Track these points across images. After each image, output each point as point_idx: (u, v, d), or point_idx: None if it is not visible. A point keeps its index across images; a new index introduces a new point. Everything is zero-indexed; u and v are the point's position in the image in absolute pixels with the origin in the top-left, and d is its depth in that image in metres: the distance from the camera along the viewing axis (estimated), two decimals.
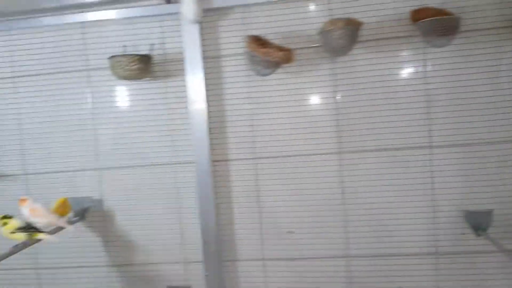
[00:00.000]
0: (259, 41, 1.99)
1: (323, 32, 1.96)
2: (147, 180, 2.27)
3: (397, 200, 2.12)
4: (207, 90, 2.12)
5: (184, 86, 2.15)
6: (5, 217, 1.90)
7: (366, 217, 2.15)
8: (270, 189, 2.20)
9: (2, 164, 2.37)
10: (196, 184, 2.16)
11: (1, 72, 2.33)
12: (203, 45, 2.13)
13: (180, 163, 2.25)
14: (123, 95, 2.27)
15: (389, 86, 2.08)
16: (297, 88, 2.14)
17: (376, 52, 2.08)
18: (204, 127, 2.11)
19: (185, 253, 2.28)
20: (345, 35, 1.92)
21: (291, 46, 2.05)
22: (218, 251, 2.16)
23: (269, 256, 2.23)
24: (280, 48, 2.00)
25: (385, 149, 2.11)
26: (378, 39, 2.07)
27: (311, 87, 2.13)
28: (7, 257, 1.86)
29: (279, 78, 2.14)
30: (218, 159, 2.20)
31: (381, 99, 2.09)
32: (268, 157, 2.18)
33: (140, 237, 2.30)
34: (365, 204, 2.14)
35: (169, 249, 2.29)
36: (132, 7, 2.18)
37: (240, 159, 2.20)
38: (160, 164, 2.26)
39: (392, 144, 2.10)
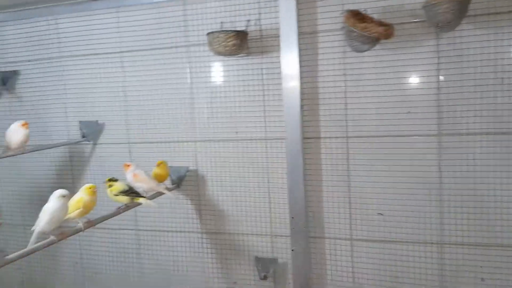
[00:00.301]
0: (357, 16, 1.93)
1: (428, 6, 1.84)
2: (240, 153, 2.34)
3: (503, 188, 1.97)
4: (301, 67, 2.10)
5: (279, 62, 2.15)
6: (111, 180, 2.07)
7: (466, 203, 2.03)
8: (360, 169, 2.15)
9: (110, 132, 2.57)
10: (286, 160, 2.17)
11: (110, 48, 2.50)
12: (299, 21, 2.10)
13: (271, 139, 2.28)
14: (219, 70, 2.33)
15: (501, 65, 1.91)
16: (396, 66, 2.05)
17: (487, 28, 1.91)
18: (297, 104, 2.11)
19: (273, 226, 2.33)
20: (453, 9, 1.78)
21: (392, 21, 1.96)
22: (305, 227, 2.18)
23: (357, 236, 2.20)
24: (380, 23, 1.91)
25: (492, 133, 1.96)
26: (489, 14, 1.90)
27: (412, 65, 2.03)
28: (112, 217, 2.03)
29: (377, 55, 2.06)
30: (309, 136, 2.20)
31: (490, 78, 1.93)
32: (360, 136, 2.13)
33: (231, 208, 2.39)
34: (464, 190, 2.02)
35: (257, 221, 2.35)
36: None
37: (332, 137, 2.17)
38: (253, 139, 2.31)
39: (499, 128, 1.94)
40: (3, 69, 2.71)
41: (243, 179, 2.35)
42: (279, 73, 2.16)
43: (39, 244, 1.69)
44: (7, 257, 1.57)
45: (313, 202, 2.23)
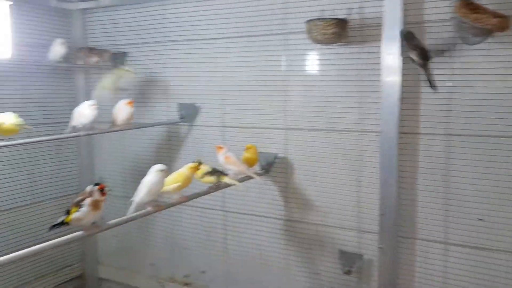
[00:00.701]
0: (470, 5, 1.79)
1: None
2: (331, 144, 2.30)
3: None
4: (403, 58, 2.01)
5: (379, 52, 2.08)
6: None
7: None
8: (461, 169, 2.02)
9: (206, 115, 2.66)
10: (380, 154, 2.10)
11: (210, 33, 2.58)
12: (404, 10, 2.01)
13: (365, 131, 2.21)
14: (316, 59, 2.31)
15: None
16: (509, 61, 1.88)
17: None
18: (395, 97, 2.02)
19: (360, 221, 2.28)
20: None
21: (508, 13, 1.80)
22: (395, 225, 2.10)
23: (452, 240, 2.08)
24: (494, 14, 1.76)
25: None
26: None
27: None
28: (200, 196, 2.12)
29: (489, 49, 1.90)
30: (407, 131, 2.10)
31: None
32: (463, 135, 2.00)
33: (318, 198, 2.37)
34: None
35: (344, 214, 2.31)
36: None
37: (431, 133, 2.06)
38: (345, 130, 2.26)
39: None
40: (113, 50, 2.91)
41: (333, 170, 2.31)
42: (379, 63, 2.08)
43: (136, 213, 1.81)
44: (108, 222, 1.69)
45: (405, 200, 2.14)
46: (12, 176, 2.75)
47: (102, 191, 1.63)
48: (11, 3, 1.73)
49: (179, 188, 1.95)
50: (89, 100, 2.36)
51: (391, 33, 2.00)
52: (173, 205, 1.97)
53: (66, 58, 2.70)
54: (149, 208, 1.83)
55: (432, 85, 1.91)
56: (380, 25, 2.05)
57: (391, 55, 2.01)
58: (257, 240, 2.60)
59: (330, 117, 2.29)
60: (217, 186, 2.14)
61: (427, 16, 2.02)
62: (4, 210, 2.72)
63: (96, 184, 1.65)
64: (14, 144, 2.06)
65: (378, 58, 2.09)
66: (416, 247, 2.15)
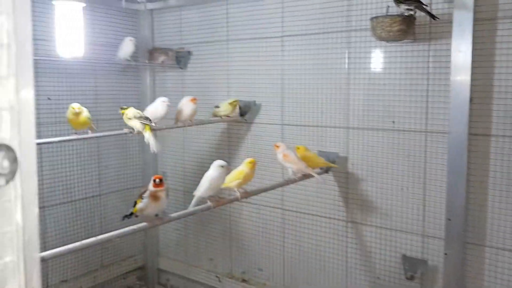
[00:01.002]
0: None
1: None
2: (394, 144, 2.24)
3: None
4: (474, 56, 1.92)
5: (448, 50, 2.00)
6: (122, 108, 2.26)
7: None
8: None
9: (265, 113, 2.67)
10: (447, 156, 2.02)
11: (272, 32, 2.59)
12: (476, 5, 1.91)
13: (432, 132, 2.14)
14: (380, 56, 2.25)
15: None
16: None
17: None
18: (465, 96, 1.93)
19: (425, 226, 2.20)
20: None
21: None
22: (463, 231, 2.01)
23: None
24: None
25: None
26: None
27: None
28: (261, 192, 2.13)
29: None
30: (477, 133, 2.00)
31: None
32: None
33: (380, 200, 2.31)
34: None
35: (408, 218, 2.24)
36: None
37: (503, 135, 1.95)
38: (410, 130, 2.19)
39: None
40: (178, 49, 2.99)
41: (397, 171, 2.25)
42: (448, 61, 2.00)
43: (197, 207, 1.85)
44: (170, 215, 1.74)
45: (474, 205, 2.04)
46: (83, 169, 2.90)
47: (160, 182, 1.68)
48: (84, 5, 1.82)
49: (239, 185, 1.97)
50: (161, 97, 2.45)
51: (461, 30, 1.91)
52: (232, 201, 1.99)
53: (134, 56, 2.80)
54: (209, 203, 1.86)
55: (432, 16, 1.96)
56: (450, 22, 1.97)
57: (461, 53, 1.93)
58: (316, 240, 2.57)
59: (394, 117, 2.23)
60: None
61: (501, 12, 1.92)
62: (75, 200, 2.87)
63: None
64: (86, 138, 2.17)
65: (447, 56, 2.01)
66: (485, 254, 2.05)
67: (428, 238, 2.19)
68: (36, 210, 0.46)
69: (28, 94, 0.43)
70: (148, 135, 2.16)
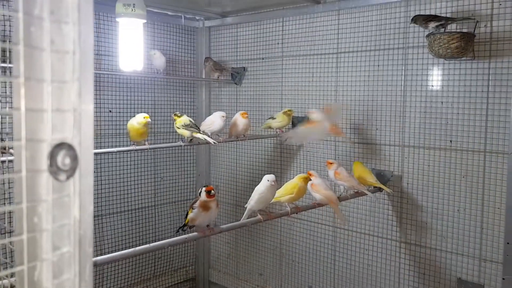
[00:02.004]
0: None
1: None
2: (452, 164, 2.17)
3: None
4: None
5: (509, 68, 1.93)
6: (176, 115, 2.29)
7: None
8: None
9: None
10: (507, 177, 1.93)
11: (328, 48, 2.60)
12: None
13: (491, 152, 2.05)
14: (437, 74, 2.20)
15: None
16: None
17: None
18: None
19: (482, 249, 2.10)
20: None
21: None
22: None
23: None
24: None
25: None
26: None
27: None
28: (311, 209, 2.12)
29: None
30: None
31: None
32: None
33: (435, 221, 2.24)
34: None
35: (465, 240, 2.15)
36: None
37: None
38: (469, 150, 2.12)
39: None
40: (234, 65, 3.07)
41: (453, 192, 2.17)
42: (509, 80, 1.93)
43: (246, 220, 1.87)
44: (221, 226, 1.77)
45: None
46: (139, 180, 3.02)
47: (209, 193, 1.72)
48: (145, 21, 1.93)
49: (292, 200, 1.97)
50: (219, 111, 2.52)
51: None
52: (283, 215, 2.00)
53: (166, 69, 2.90)
54: (259, 216, 1.88)
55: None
56: (511, 39, 1.90)
57: None
58: (368, 260, 2.52)
59: (452, 135, 2.16)
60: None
61: None
62: (131, 210, 2.99)
63: (205, 187, 1.75)
64: (143, 149, 2.26)
65: (508, 74, 1.94)
66: None
67: (486, 262, 2.09)
68: (91, 207, 0.50)
69: (89, 99, 0.47)
70: (199, 135, 2.23)
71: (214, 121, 2.43)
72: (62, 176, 0.45)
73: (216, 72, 2.98)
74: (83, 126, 0.47)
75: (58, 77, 0.44)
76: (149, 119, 2.15)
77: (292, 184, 1.98)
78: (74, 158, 0.46)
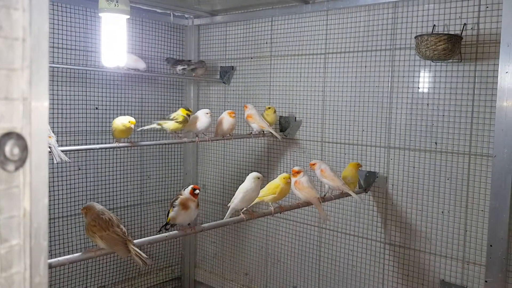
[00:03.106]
0: None
1: None
2: (437, 166, 2.17)
3: None
4: None
5: (495, 71, 1.93)
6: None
7: None
8: None
9: (306, 129, 2.66)
10: (491, 180, 1.93)
11: (316, 48, 2.59)
12: None
13: (476, 155, 2.06)
14: (424, 75, 2.21)
15: None
16: None
17: None
18: (511, 120, 1.85)
19: (466, 251, 2.10)
20: None
21: None
22: (504, 258, 1.90)
23: None
24: None
25: None
26: None
27: None
28: (294, 208, 2.10)
29: None
30: None
31: None
32: None
33: (420, 223, 2.24)
34: None
35: (448, 242, 2.15)
36: None
37: None
38: (454, 153, 2.12)
39: None
40: (222, 65, 3.06)
41: (438, 194, 2.18)
42: (494, 83, 1.93)
43: (229, 219, 1.86)
44: (203, 225, 1.76)
45: None
46: (125, 178, 3.00)
47: (194, 191, 1.72)
48: (128, 17, 1.91)
49: (275, 199, 1.97)
50: (202, 108, 2.50)
51: (508, 51, 1.84)
52: (266, 214, 1.99)
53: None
54: (242, 215, 1.87)
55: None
56: (497, 42, 1.91)
57: (508, 74, 1.85)
58: (352, 260, 2.52)
59: (437, 137, 2.17)
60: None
61: None
62: (118, 208, 2.96)
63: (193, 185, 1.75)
64: (126, 146, 2.24)
65: (493, 77, 1.95)
66: None
67: (469, 264, 2.10)
68: (46, 200, 0.48)
69: (42, 87, 0.46)
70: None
71: (199, 119, 2.41)
72: (10, 167, 0.44)
73: (201, 70, 2.96)
74: (35, 116, 0.45)
75: (6, 64, 0.43)
76: (133, 125, 2.12)
77: (274, 184, 1.98)
78: (24, 149, 0.45)
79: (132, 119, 2.12)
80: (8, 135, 0.43)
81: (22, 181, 0.45)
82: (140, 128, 2.43)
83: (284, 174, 2.00)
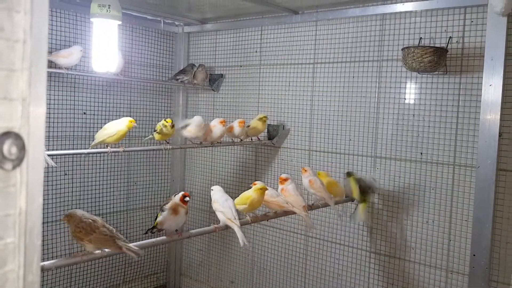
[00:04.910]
0: None
1: None
2: (422, 176, 2.21)
3: None
4: (504, 91, 1.88)
5: (479, 83, 1.97)
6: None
7: None
8: None
9: (294, 138, 2.69)
10: (475, 190, 1.97)
11: (305, 58, 2.63)
12: (508, 41, 1.89)
13: (460, 165, 2.10)
14: (410, 87, 2.25)
15: None
16: None
17: None
18: (495, 131, 1.89)
19: (449, 260, 2.13)
20: None
21: None
22: (487, 268, 1.94)
23: None
24: None
25: None
26: None
27: None
28: (278, 217, 2.09)
29: None
30: (506, 168, 1.95)
31: None
32: None
33: (404, 232, 2.27)
34: None
35: (433, 252, 2.18)
36: None
37: None
38: (438, 163, 2.16)
39: None
40: (212, 72, 3.07)
41: (422, 203, 2.21)
42: (478, 95, 1.98)
43: (207, 228, 1.82)
44: (190, 231, 1.76)
45: (501, 242, 1.98)
46: (112, 183, 2.98)
47: (184, 197, 1.72)
48: (119, 22, 1.92)
49: (246, 210, 1.90)
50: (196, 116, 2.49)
51: (492, 65, 1.89)
52: (245, 224, 1.92)
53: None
54: (212, 226, 1.82)
55: None
56: (481, 56, 1.96)
57: (492, 87, 1.90)
58: (338, 269, 2.53)
59: (422, 148, 2.20)
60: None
61: None
62: (103, 214, 2.95)
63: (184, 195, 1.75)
64: (118, 151, 2.23)
65: (478, 89, 1.99)
66: None
67: (452, 273, 2.13)
68: (40, 200, 0.49)
69: (41, 89, 0.47)
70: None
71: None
72: (8, 165, 0.45)
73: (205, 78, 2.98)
74: (33, 116, 0.46)
75: (6, 65, 0.44)
76: (134, 123, 2.12)
77: (246, 195, 1.91)
78: (22, 148, 0.46)
79: (131, 118, 2.12)
80: (7, 134, 0.44)
81: (19, 180, 0.46)
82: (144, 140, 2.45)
83: (258, 185, 1.93)
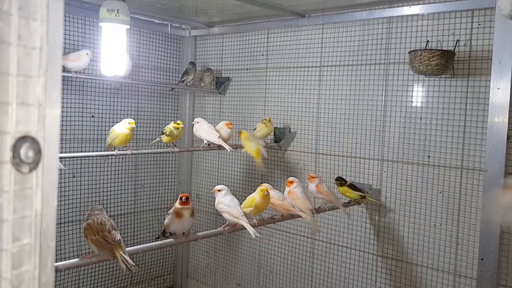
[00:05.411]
0: None
1: None
2: (429, 180, 2.20)
3: None
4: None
5: (487, 87, 1.97)
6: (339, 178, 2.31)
7: None
8: None
9: (300, 141, 2.69)
10: (483, 194, 1.97)
11: (312, 61, 2.63)
12: None
13: (468, 169, 2.09)
14: (417, 90, 2.25)
15: None
16: None
17: None
18: (503, 135, 1.89)
19: (457, 264, 2.13)
20: None
21: None
22: (495, 272, 1.93)
23: None
24: None
25: None
26: None
27: None
28: (286, 219, 2.10)
29: None
30: None
31: None
32: None
33: (412, 235, 2.26)
34: None
35: (440, 255, 2.18)
36: (440, 2, 2.12)
37: None
38: (446, 166, 2.15)
39: None
40: (218, 75, 3.09)
41: (430, 207, 2.21)
42: (486, 98, 1.97)
43: (215, 230, 1.84)
44: (197, 233, 1.77)
45: (509, 246, 1.97)
46: (120, 186, 3.00)
47: (186, 200, 1.73)
48: (128, 27, 1.94)
49: (252, 213, 1.92)
50: (196, 117, 2.52)
51: (500, 68, 1.89)
52: (252, 226, 1.94)
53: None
54: (220, 228, 1.84)
55: None
56: (489, 59, 1.95)
57: (500, 90, 1.90)
58: (345, 272, 2.53)
59: (429, 151, 2.20)
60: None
61: None
62: (111, 216, 2.95)
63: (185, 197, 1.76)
64: (125, 154, 2.25)
65: (485, 92, 1.99)
66: None
67: (460, 277, 2.12)
68: (54, 202, 0.50)
69: (56, 94, 0.48)
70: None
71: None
72: (25, 169, 0.46)
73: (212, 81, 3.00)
74: (49, 120, 0.48)
75: (24, 71, 0.45)
76: (133, 125, 2.15)
77: (251, 198, 1.92)
78: (38, 152, 0.47)
79: (132, 120, 2.15)
80: (24, 138, 0.45)
81: (34, 183, 0.47)
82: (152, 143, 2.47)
83: (262, 187, 1.94)
